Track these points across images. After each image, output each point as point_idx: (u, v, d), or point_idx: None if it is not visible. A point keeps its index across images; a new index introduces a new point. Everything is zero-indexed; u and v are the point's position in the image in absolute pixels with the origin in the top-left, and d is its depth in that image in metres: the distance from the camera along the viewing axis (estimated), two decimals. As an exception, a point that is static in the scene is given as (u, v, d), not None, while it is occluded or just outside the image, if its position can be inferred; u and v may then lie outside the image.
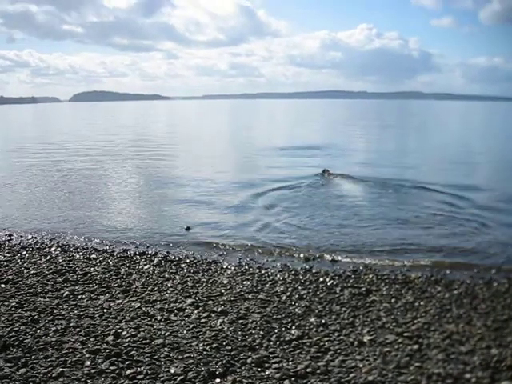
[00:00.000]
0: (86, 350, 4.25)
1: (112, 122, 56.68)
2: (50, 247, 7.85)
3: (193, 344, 4.40)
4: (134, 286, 5.99)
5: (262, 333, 4.66)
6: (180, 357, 4.16)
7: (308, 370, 3.96)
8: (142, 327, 4.74)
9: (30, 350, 4.25)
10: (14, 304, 5.30)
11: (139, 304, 5.38)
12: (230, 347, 4.35)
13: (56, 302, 5.41)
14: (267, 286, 6.04)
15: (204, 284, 6.10)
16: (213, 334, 4.61)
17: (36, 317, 4.96)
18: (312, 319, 4.99)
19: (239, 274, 6.51)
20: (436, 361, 4.11)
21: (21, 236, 8.60)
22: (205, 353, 4.24)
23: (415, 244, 7.90)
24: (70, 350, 4.24)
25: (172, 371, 3.91)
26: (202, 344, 4.40)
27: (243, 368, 4.01)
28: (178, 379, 3.80)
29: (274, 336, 4.59)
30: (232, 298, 5.57)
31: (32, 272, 6.50)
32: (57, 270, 6.58)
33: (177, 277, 6.40)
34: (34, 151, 22.81)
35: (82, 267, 6.76)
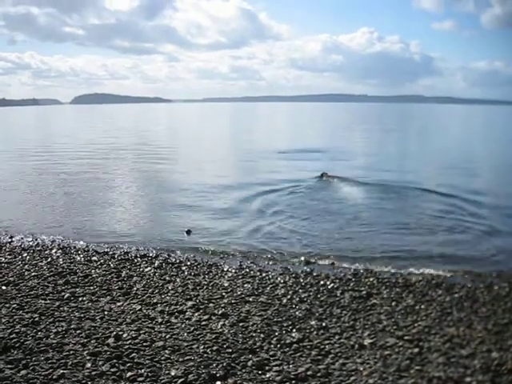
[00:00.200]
0: (86, 352, 4.26)
1: (112, 125, 56.75)
2: (51, 249, 7.86)
3: (193, 346, 4.40)
4: (135, 289, 6.00)
5: (262, 335, 4.66)
6: (181, 359, 4.17)
7: (309, 372, 3.96)
8: (143, 329, 4.75)
9: (31, 351, 4.25)
10: (14, 306, 5.31)
11: (140, 306, 5.38)
12: (230, 350, 4.35)
13: (57, 304, 5.42)
14: (268, 288, 6.05)
15: (205, 287, 6.11)
16: (213, 336, 4.61)
17: (37, 319, 4.96)
18: (313, 322, 4.99)
19: (240, 277, 6.52)
20: (436, 364, 4.11)
21: (22, 238, 8.62)
22: (205, 355, 4.24)
23: (416, 251, 7.80)
24: (71, 352, 4.24)
25: (173, 373, 3.92)
26: (202, 346, 4.40)
27: (244, 371, 4.01)
28: (179, 382, 3.80)
29: (275, 339, 4.59)
30: (233, 301, 5.58)
31: (33, 274, 6.51)
32: (58, 272, 6.59)
33: (178, 279, 6.40)
34: (35, 154, 22.90)
35: (82, 269, 6.77)
